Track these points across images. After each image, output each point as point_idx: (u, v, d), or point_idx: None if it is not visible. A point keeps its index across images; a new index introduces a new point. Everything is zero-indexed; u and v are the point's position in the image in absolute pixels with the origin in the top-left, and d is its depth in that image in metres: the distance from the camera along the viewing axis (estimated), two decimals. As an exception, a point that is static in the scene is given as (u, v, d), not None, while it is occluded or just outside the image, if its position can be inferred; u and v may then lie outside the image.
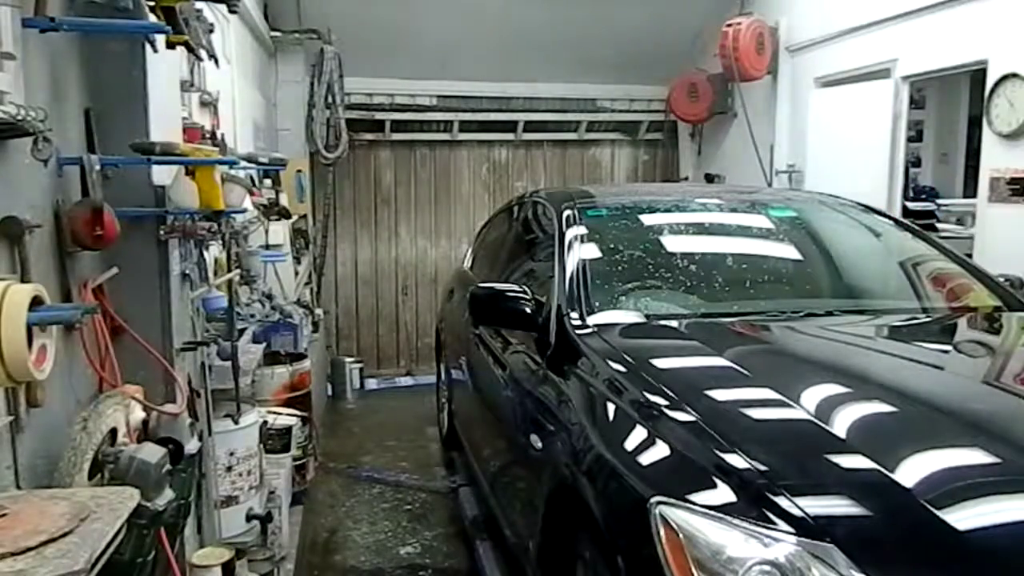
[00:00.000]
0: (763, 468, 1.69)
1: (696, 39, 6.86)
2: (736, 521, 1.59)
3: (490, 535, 3.77)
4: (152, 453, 1.83)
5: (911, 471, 1.67)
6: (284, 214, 4.97)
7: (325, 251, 7.12)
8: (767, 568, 1.51)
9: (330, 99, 6.31)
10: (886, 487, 1.63)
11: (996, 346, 2.76)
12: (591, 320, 2.69)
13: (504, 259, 4.08)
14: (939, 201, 7.04)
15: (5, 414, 1.59)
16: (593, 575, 2.06)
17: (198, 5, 2.39)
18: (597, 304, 2.77)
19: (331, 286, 7.45)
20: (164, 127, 2.37)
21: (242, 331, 3.70)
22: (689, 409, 1.99)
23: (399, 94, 7.20)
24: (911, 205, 6.24)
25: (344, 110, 6.44)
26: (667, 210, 3.48)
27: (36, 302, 1.45)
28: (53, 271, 1.89)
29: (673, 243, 3.17)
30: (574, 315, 2.72)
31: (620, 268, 3.03)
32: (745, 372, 2.25)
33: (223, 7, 2.48)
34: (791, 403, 1.99)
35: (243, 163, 2.87)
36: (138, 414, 2.04)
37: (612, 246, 3.12)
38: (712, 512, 1.63)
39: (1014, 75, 4.28)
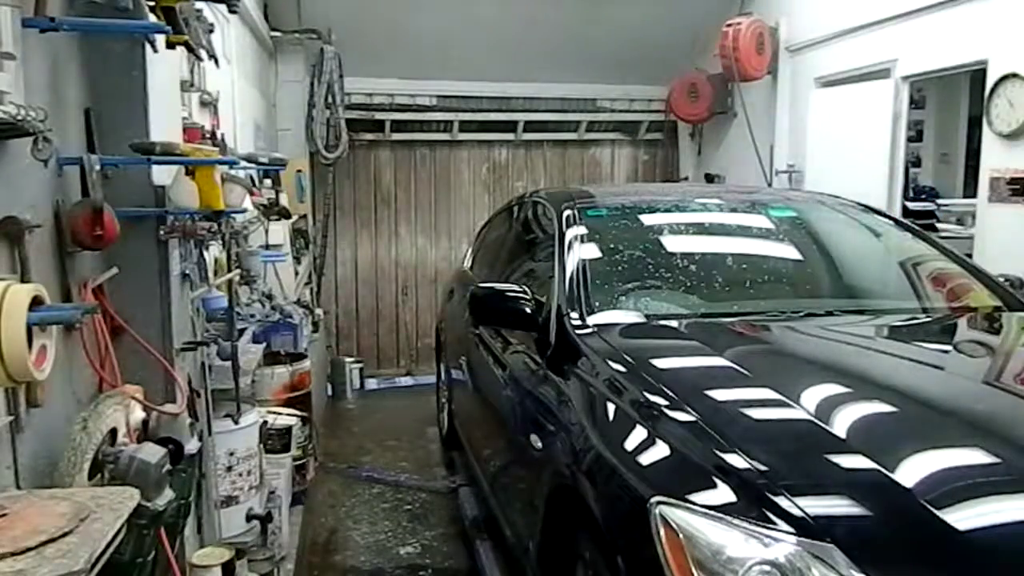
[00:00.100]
0: (763, 468, 1.69)
1: (696, 39, 6.86)
2: (736, 521, 1.59)
3: (490, 535, 3.77)
4: (152, 453, 1.83)
5: (911, 471, 1.67)
6: (284, 214, 4.97)
7: (325, 251, 7.12)
8: (767, 568, 1.51)
9: (330, 99, 6.31)
10: (886, 487, 1.63)
11: (996, 346, 2.76)
12: (591, 320, 2.69)
13: (504, 259, 4.09)
14: (939, 201, 7.03)
15: (5, 414, 1.59)
16: (593, 575, 2.06)
17: (198, 5, 2.39)
18: (597, 304, 2.77)
19: (331, 286, 7.46)
20: (164, 127, 2.37)
21: (242, 331, 3.70)
22: (689, 409, 1.99)
23: (399, 94, 7.20)
24: (911, 205, 6.24)
25: (344, 110, 6.44)
26: (667, 210, 3.48)
27: (36, 302, 1.45)
28: (53, 271, 1.88)
29: (673, 243, 3.17)
30: (574, 315, 2.72)
31: (620, 268, 3.03)
32: (745, 372, 2.25)
33: (223, 7, 2.47)
34: (791, 403, 1.99)
35: (243, 163, 2.87)
36: (138, 414, 2.04)
37: (612, 246, 3.12)
38: (712, 512, 1.63)
39: (1014, 75, 4.28)
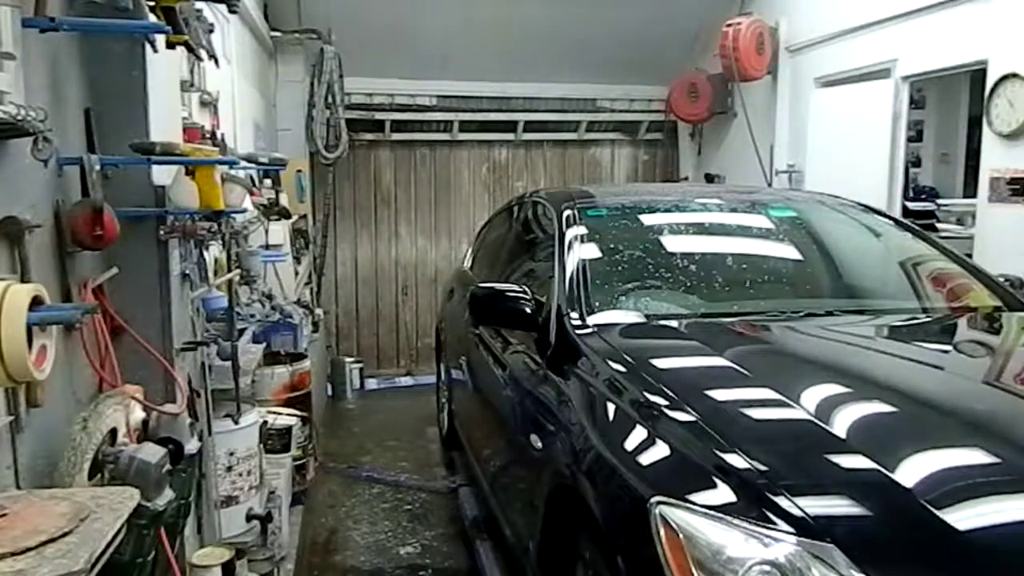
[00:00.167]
0: (763, 468, 1.69)
1: (696, 39, 6.86)
2: (736, 521, 1.59)
3: (490, 535, 3.77)
4: (152, 453, 1.83)
5: (911, 471, 1.67)
6: (284, 214, 4.97)
7: (325, 251, 7.12)
8: (767, 568, 1.51)
9: (330, 99, 6.31)
10: (886, 487, 1.63)
11: (996, 346, 2.76)
12: (591, 320, 2.69)
13: (504, 259, 4.09)
14: (939, 201, 7.03)
15: (5, 414, 1.59)
16: (593, 575, 2.06)
17: (198, 5, 2.39)
18: (597, 304, 2.77)
19: (331, 286, 7.46)
20: (164, 127, 2.37)
21: (242, 331, 3.70)
22: (689, 409, 1.99)
23: (399, 94, 7.20)
24: (911, 205, 6.24)
25: (344, 110, 6.44)
26: (667, 210, 3.48)
27: (36, 302, 1.45)
28: (53, 271, 1.88)
29: (673, 243, 3.17)
30: (574, 315, 2.72)
31: (620, 268, 3.03)
32: (745, 372, 2.25)
33: (223, 7, 2.47)
34: (791, 403, 1.99)
35: (243, 163, 2.87)
36: (138, 414, 2.04)
37: (612, 246, 3.12)
38: (712, 512, 1.63)
39: (1014, 75, 4.28)
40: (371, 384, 7.28)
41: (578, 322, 2.68)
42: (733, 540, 1.57)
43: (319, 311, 5.96)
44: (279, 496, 3.34)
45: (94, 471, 1.77)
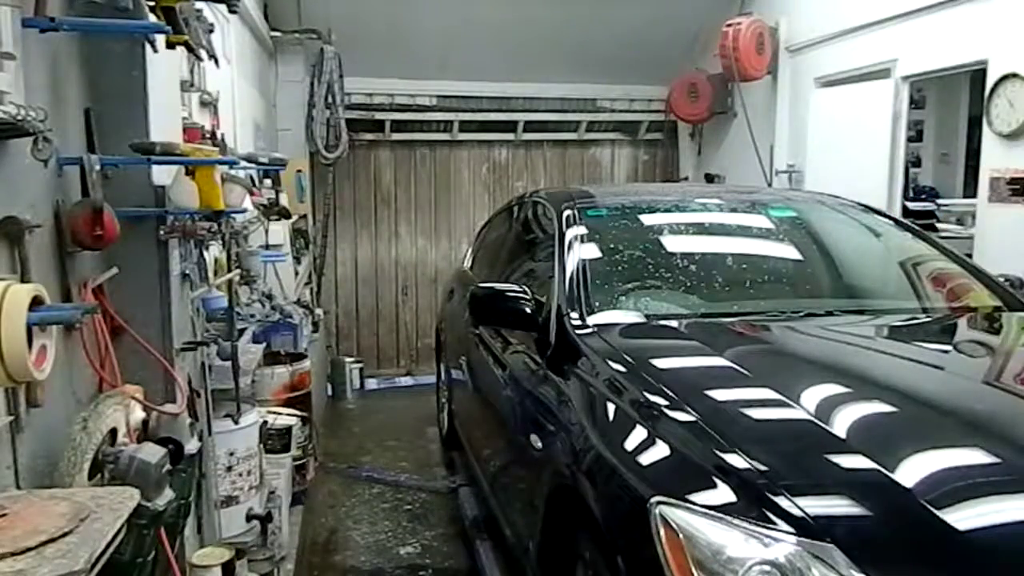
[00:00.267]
0: (763, 468, 1.69)
1: (696, 39, 6.86)
2: (736, 521, 1.59)
3: (490, 535, 3.77)
4: (152, 453, 1.83)
5: (911, 471, 1.67)
6: (284, 214, 4.97)
7: (325, 251, 7.12)
8: (767, 568, 1.51)
9: (330, 99, 6.31)
10: (886, 487, 1.63)
11: (996, 346, 2.76)
12: (591, 320, 2.69)
13: (504, 259, 4.09)
14: (939, 201, 7.03)
15: (5, 414, 1.59)
16: (593, 575, 2.06)
17: (198, 5, 2.39)
18: (597, 304, 2.77)
19: (331, 286, 7.45)
20: (164, 127, 2.37)
21: (242, 331, 3.70)
22: (689, 409, 1.99)
23: (399, 94, 7.20)
24: (911, 205, 6.24)
25: (344, 110, 6.44)
26: (667, 210, 3.48)
27: (36, 302, 1.45)
28: (53, 271, 1.88)
29: (673, 243, 3.17)
30: (574, 315, 2.72)
31: (620, 268, 3.03)
32: (745, 372, 2.25)
33: (223, 7, 2.47)
34: (791, 403, 1.99)
35: (243, 163, 2.87)
36: (138, 414, 2.04)
37: (612, 246, 3.12)
38: (712, 512, 1.63)
39: (1014, 75, 4.28)
40: (371, 384, 7.28)
41: (578, 322, 2.68)
42: (733, 540, 1.57)
43: (319, 311, 5.96)
44: (279, 496, 3.34)
45: (94, 471, 1.77)
